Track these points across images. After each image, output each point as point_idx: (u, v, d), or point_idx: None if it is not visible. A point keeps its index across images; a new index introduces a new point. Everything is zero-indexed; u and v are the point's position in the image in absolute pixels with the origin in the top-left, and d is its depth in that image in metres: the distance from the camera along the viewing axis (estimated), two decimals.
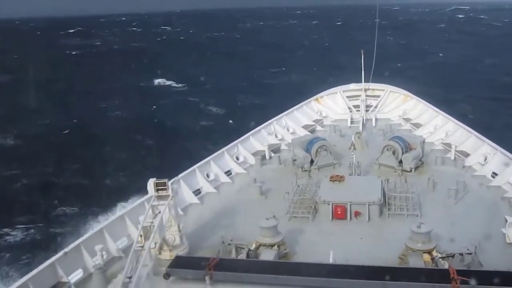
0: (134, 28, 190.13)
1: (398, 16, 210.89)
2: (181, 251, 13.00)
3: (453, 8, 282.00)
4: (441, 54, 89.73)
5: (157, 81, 72.35)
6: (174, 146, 41.20)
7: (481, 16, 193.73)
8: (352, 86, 27.21)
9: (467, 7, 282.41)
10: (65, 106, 55.61)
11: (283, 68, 75.12)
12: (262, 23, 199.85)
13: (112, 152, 39.32)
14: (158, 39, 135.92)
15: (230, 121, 47.42)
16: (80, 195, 31.98)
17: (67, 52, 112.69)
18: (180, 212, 14.86)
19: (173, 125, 48.29)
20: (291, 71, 70.25)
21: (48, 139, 43.17)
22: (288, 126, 23.78)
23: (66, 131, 46.23)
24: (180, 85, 69.17)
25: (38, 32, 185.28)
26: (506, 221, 14.03)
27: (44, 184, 34.16)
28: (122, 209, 15.79)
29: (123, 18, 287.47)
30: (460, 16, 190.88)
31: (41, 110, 52.57)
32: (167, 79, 71.74)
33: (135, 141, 43.80)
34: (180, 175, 17.45)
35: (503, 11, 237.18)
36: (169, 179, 13.33)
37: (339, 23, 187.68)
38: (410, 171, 18.25)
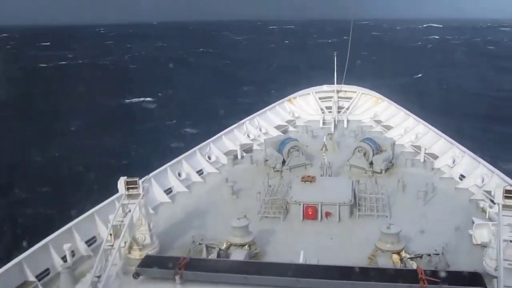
0: (110, 42, 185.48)
1: (371, 31, 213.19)
2: (151, 251, 12.89)
3: (426, 25, 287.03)
4: (411, 71, 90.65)
5: (128, 98, 69.62)
6: (145, 147, 40.92)
7: (449, 37, 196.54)
8: (325, 87, 27.39)
9: (441, 25, 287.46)
10: (27, 119, 53.29)
11: (254, 85, 74.08)
12: (240, 38, 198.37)
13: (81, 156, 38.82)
14: (129, 55, 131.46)
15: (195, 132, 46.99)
16: (50, 198, 31.54)
17: (37, 65, 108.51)
18: (151, 211, 14.71)
19: (143, 132, 47.70)
20: (263, 87, 69.06)
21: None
22: (260, 126, 23.81)
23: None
24: (149, 99, 67.52)
25: (12, 42, 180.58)
26: (473, 222, 14.28)
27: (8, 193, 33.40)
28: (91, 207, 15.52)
29: (101, 30, 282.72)
30: (435, 36, 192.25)
31: None
32: (138, 96, 69.25)
33: (104, 143, 43.33)
34: (151, 174, 17.29)
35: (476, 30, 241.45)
36: (140, 178, 13.20)
37: (315, 36, 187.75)
38: (381, 172, 18.45)
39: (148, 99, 66.32)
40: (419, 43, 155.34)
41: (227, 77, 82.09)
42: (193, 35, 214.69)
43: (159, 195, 17.15)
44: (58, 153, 40.73)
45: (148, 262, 11.96)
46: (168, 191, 17.64)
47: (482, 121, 48.77)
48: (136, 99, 66.12)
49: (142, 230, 12.85)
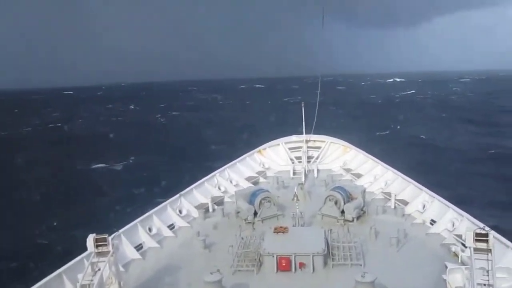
0: (77, 104, 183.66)
1: (337, 85, 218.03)
2: None
3: (391, 80, 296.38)
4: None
5: (94, 163, 66.89)
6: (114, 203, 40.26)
7: (413, 90, 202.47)
8: (294, 137, 27.67)
9: (404, 79, 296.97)
10: None
11: (223, 143, 73.21)
12: (206, 96, 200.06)
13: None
14: (94, 118, 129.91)
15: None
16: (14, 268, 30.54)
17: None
18: (121, 269, 14.36)
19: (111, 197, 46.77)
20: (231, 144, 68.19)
21: None
22: (231, 178, 23.75)
23: None
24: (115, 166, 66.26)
25: None
26: (446, 267, 14.33)
27: None
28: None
29: (71, 93, 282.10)
30: (402, 93, 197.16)
31: None
32: (104, 162, 67.20)
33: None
34: (121, 230, 16.96)
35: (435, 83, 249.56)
36: (110, 234, 12.93)
37: (283, 93, 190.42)
38: (352, 220, 18.47)
39: (116, 164, 64.94)
40: (381, 100, 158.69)
41: (196, 137, 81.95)
42: (161, 96, 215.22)
43: (130, 252, 16.78)
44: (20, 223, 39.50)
45: None
46: (139, 247, 17.28)
47: (451, 172, 49.93)
48: (102, 165, 64.83)
49: None
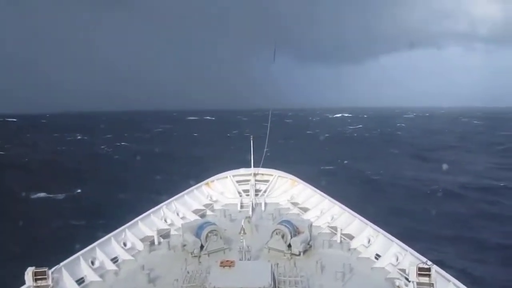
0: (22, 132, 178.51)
1: (286, 119, 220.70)
2: None
3: (339, 115, 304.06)
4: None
5: (34, 193, 64.04)
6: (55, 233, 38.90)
7: (360, 125, 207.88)
8: (242, 170, 27.72)
9: (351, 114, 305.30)
10: None
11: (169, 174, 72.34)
12: (159, 128, 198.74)
13: None
14: (38, 148, 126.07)
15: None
16: None
17: None
18: None
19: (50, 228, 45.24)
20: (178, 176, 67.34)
21: None
22: (178, 211, 23.47)
23: None
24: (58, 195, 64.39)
25: None
26: None
27: None
28: None
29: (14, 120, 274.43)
30: (347, 129, 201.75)
31: None
32: (44, 191, 64.27)
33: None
34: (62, 263, 16.38)
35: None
36: (50, 268, 12.50)
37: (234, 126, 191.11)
38: (299, 254, 18.51)
39: (59, 194, 62.94)
40: (328, 134, 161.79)
41: (143, 168, 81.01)
42: (108, 126, 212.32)
43: (71, 286, 16.20)
44: None
45: None
46: (80, 281, 16.71)
47: (394, 206, 51.10)
48: (43, 194, 62.60)
49: None
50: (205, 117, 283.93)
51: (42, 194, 61.72)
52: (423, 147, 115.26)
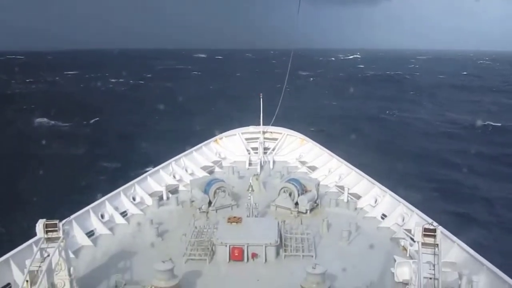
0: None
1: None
2: None
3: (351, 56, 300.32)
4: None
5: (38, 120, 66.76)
6: (66, 186, 39.41)
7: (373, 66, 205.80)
8: (251, 128, 27.69)
9: (363, 56, 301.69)
10: None
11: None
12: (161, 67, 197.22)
13: None
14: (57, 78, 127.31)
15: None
16: None
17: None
18: (72, 255, 14.11)
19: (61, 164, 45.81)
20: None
21: None
22: (186, 167, 23.60)
23: None
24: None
25: None
26: (395, 261, 14.68)
27: None
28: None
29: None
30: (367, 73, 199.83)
31: None
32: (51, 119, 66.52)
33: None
34: (72, 216, 16.64)
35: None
36: (60, 220, 12.68)
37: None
38: (306, 212, 18.67)
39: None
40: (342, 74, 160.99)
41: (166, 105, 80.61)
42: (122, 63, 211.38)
43: (80, 238, 16.50)
44: None
45: None
46: (90, 233, 17.01)
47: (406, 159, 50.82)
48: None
49: (61, 276, 12.26)
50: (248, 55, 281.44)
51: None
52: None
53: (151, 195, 20.30)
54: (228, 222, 16.10)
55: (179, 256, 14.81)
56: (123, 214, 18.73)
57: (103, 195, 19.00)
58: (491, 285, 13.54)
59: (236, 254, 14.82)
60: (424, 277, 10.77)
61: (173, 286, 12.64)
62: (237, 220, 16.15)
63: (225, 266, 14.71)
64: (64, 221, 13.03)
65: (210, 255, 15.11)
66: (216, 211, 18.76)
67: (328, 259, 14.28)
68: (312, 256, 15.12)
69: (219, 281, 13.93)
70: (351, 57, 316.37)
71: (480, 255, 14.48)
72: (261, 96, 25.69)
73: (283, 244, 15.57)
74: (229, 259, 14.86)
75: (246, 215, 17.30)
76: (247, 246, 14.85)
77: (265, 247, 14.89)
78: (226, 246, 14.91)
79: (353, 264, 14.92)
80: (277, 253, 15.16)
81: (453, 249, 14.70)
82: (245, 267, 14.62)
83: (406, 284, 12.99)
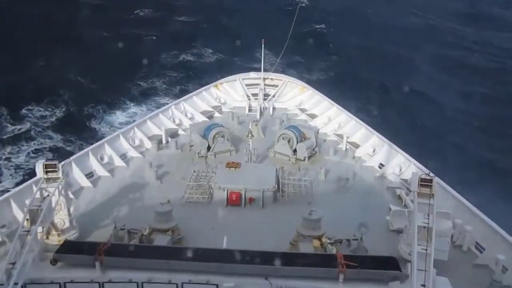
0: None
1: None
2: (71, 236, 12.58)
3: None
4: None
5: None
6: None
7: None
8: (252, 74, 27.41)
9: None
10: None
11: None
12: None
13: None
14: None
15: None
16: None
17: None
18: (71, 196, 14.30)
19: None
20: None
21: None
22: (186, 111, 23.52)
23: None
24: None
25: None
26: (390, 209, 14.93)
27: None
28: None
29: None
30: None
31: None
32: None
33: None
34: (71, 158, 16.77)
35: None
36: (60, 161, 12.78)
37: None
38: (304, 160, 18.77)
39: None
40: None
41: None
42: None
43: (80, 179, 16.67)
44: None
45: (67, 248, 11.61)
46: (90, 175, 17.17)
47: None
48: None
49: (61, 215, 12.49)
50: None
51: None
52: None
53: (150, 138, 20.33)
54: (227, 167, 16.22)
55: (178, 199, 15.01)
56: (122, 156, 18.82)
57: (103, 138, 19.09)
58: (483, 234, 13.84)
59: (234, 199, 15.03)
60: (418, 226, 10.95)
61: (171, 228, 12.88)
62: (235, 165, 16.27)
63: (223, 210, 14.93)
64: (63, 162, 13.14)
65: (208, 199, 15.31)
66: (215, 156, 18.84)
67: (324, 206, 14.44)
68: (309, 203, 15.29)
69: (216, 225, 14.17)
70: None
71: (474, 205, 14.75)
72: (263, 42, 25.35)
73: (280, 190, 15.75)
74: (227, 204, 15.07)
75: (245, 161, 17.41)
76: (245, 191, 15.05)
77: (263, 192, 15.08)
78: (224, 190, 15.10)
79: (349, 211, 15.16)
80: (274, 199, 15.36)
81: (448, 200, 14.91)
82: (242, 212, 14.86)
83: (401, 232, 13.23)
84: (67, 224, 12.62)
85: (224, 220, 14.48)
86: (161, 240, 12.52)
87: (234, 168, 16.13)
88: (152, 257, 11.41)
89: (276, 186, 15.49)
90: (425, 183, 11.53)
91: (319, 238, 12.74)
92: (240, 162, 16.61)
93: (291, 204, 15.32)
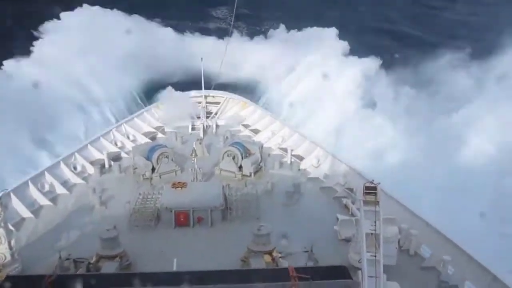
0: None
1: None
2: (13, 271, 12.06)
3: None
4: None
5: None
6: None
7: None
8: (193, 93, 27.34)
9: None
10: None
11: None
12: None
13: None
14: None
15: None
16: None
17: None
18: (11, 228, 13.74)
19: None
20: None
21: None
22: (128, 134, 23.16)
23: None
24: None
25: None
26: (338, 219, 15.13)
27: None
28: None
29: None
30: None
31: None
32: None
33: None
34: (10, 188, 16.13)
35: None
36: None
37: None
38: (250, 175, 18.80)
39: None
40: None
41: None
42: None
43: (20, 210, 16.07)
44: None
45: (9, 284, 11.11)
46: (30, 205, 16.58)
47: None
48: None
49: (1, 249, 11.99)
50: None
51: None
52: None
53: (92, 163, 19.87)
54: (173, 187, 16.06)
55: (124, 224, 14.71)
56: (64, 184, 18.30)
57: (43, 166, 18.55)
58: (428, 237, 14.23)
59: (182, 219, 14.86)
60: (366, 233, 11.12)
61: (119, 254, 12.59)
62: (181, 185, 16.13)
63: (171, 232, 14.73)
64: (1, 193, 12.64)
65: (155, 221, 15.07)
66: (160, 177, 18.59)
67: (273, 221, 14.49)
68: (258, 218, 15.31)
69: (165, 247, 13.94)
70: None
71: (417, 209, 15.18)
72: (202, 60, 25.34)
73: (228, 208, 15.70)
74: (175, 225, 14.87)
75: (190, 180, 17.28)
76: (192, 211, 14.91)
77: (211, 211, 14.98)
78: (171, 211, 14.91)
79: (298, 224, 15.26)
80: (223, 217, 15.29)
81: (393, 205, 15.24)
82: (191, 232, 14.70)
83: (349, 241, 13.42)
84: (9, 257, 12.13)
85: (173, 242, 14.26)
86: (109, 267, 12.21)
87: (180, 188, 15.98)
88: (101, 285, 11.08)
89: (224, 203, 15.43)
90: (369, 190, 11.75)
91: (270, 253, 12.77)
92: (186, 182, 16.48)
93: (240, 221, 15.28)
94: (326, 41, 35.48)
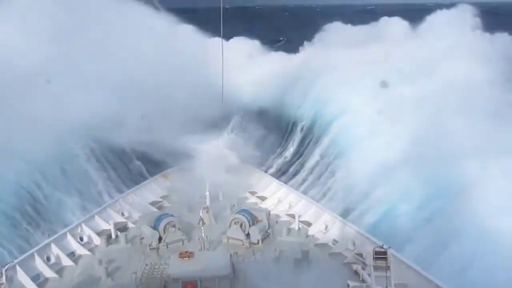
0: None
1: None
2: None
3: None
4: None
5: None
6: None
7: None
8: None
9: None
10: None
11: None
12: None
13: None
14: None
15: None
16: None
17: None
18: None
19: None
20: None
21: None
22: (134, 203, 23.16)
23: None
24: None
25: None
26: (348, 286, 14.81)
27: None
28: None
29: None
30: None
31: None
32: None
33: None
34: (16, 261, 16.01)
35: None
36: (3, 266, 12.18)
37: None
38: (258, 243, 18.62)
39: None
40: None
41: None
42: None
43: (26, 283, 15.87)
44: None
45: None
46: (36, 277, 16.38)
47: None
48: None
49: None
50: None
51: None
52: None
53: (99, 234, 19.77)
54: (180, 257, 15.88)
55: None
56: (71, 255, 18.15)
57: (48, 237, 18.45)
58: None
59: None
60: None
61: None
62: (189, 254, 15.95)
63: None
64: (6, 266, 12.54)
65: None
66: (167, 247, 18.44)
67: None
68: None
69: None
70: None
71: (430, 273, 14.85)
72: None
73: (236, 276, 15.45)
74: None
75: (198, 249, 17.11)
76: (200, 281, 14.67)
77: (218, 280, 14.74)
78: (178, 282, 14.67)
79: None
80: (231, 286, 15.02)
81: (404, 270, 14.95)
82: None
83: None
84: None
85: None
86: None
87: (187, 258, 15.80)
88: None
89: (232, 272, 15.20)
90: (380, 255, 11.58)
91: None
92: (193, 251, 16.31)
93: None
94: None
